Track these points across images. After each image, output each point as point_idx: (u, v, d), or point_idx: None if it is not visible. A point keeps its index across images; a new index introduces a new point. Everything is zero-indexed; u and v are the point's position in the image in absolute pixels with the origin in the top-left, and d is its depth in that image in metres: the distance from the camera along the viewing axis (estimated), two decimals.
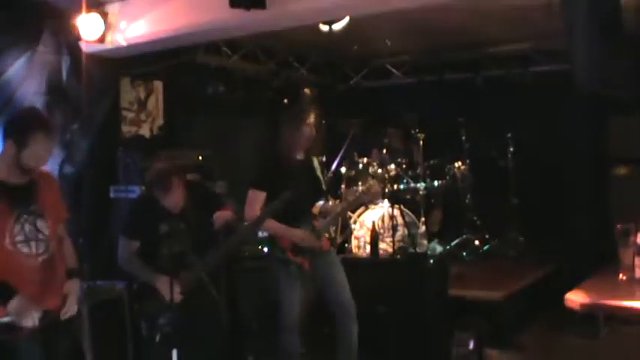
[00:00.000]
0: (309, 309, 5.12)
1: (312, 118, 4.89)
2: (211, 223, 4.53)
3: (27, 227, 3.49)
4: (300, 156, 4.94)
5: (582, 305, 3.63)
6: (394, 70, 9.36)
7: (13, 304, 3.35)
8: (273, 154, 4.95)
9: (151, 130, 6.94)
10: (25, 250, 3.47)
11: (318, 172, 5.08)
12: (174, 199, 4.36)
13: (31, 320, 3.39)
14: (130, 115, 6.74)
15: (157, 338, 4.21)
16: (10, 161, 3.52)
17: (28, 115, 3.80)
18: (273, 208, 4.54)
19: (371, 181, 5.38)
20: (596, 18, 3.50)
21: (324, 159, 7.52)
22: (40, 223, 3.55)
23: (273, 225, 4.76)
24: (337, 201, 5.36)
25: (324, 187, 5.13)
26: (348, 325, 4.87)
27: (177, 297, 4.23)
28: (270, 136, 5.97)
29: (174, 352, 3.98)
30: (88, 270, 4.28)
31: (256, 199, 4.77)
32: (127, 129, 6.67)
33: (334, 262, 5.07)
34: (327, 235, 5.15)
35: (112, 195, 5.90)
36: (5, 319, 3.35)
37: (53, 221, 3.65)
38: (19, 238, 3.45)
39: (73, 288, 3.70)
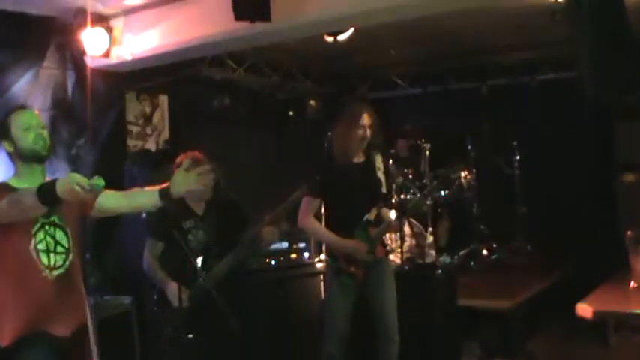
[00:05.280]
0: (356, 319, 4.86)
1: (365, 119, 4.65)
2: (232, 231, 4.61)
3: (47, 238, 3.40)
4: (358, 159, 4.74)
5: (592, 313, 3.60)
6: (399, 81, 9.35)
7: None
8: (327, 160, 4.82)
9: (157, 143, 6.95)
10: (44, 259, 3.36)
11: (380, 174, 4.77)
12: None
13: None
14: (136, 129, 6.75)
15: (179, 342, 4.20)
16: (17, 167, 3.43)
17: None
18: (290, 202, 4.50)
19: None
20: (601, 22, 3.48)
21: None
22: (59, 235, 3.45)
23: (325, 235, 4.67)
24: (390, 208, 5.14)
25: (384, 189, 4.79)
26: (387, 344, 4.63)
27: (186, 303, 4.25)
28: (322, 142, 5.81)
29: None
30: (95, 285, 4.25)
31: (309, 207, 4.66)
32: (132, 143, 6.68)
33: (386, 273, 4.80)
34: (382, 241, 4.92)
35: None
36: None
37: (72, 235, 3.57)
38: (41, 246, 3.36)
39: None
